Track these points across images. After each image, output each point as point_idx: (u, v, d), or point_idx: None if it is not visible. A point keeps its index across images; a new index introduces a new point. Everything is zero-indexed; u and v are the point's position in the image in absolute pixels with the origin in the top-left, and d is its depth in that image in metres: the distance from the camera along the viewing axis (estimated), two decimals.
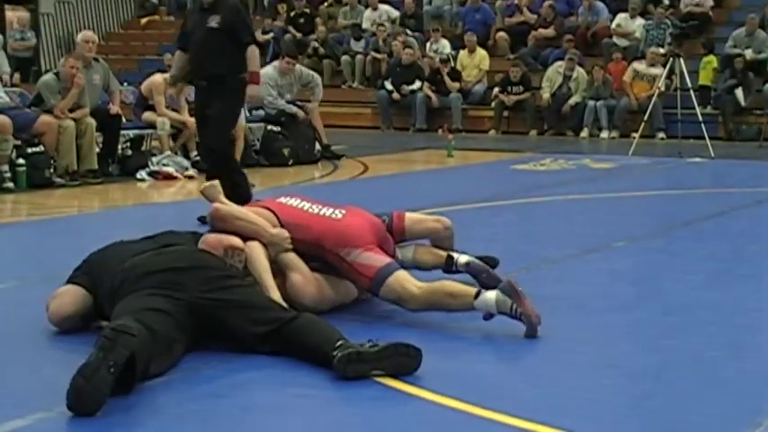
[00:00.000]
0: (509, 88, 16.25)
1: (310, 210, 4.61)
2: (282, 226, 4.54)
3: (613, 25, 16.84)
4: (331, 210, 4.62)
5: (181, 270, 3.91)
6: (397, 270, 4.39)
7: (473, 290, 4.29)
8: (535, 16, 17.73)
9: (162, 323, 3.63)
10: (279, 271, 4.48)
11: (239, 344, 3.89)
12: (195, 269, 3.94)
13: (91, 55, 10.46)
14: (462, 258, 4.90)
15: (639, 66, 15.64)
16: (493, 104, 16.52)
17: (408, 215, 5.06)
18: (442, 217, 5.16)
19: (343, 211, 4.62)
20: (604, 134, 15.64)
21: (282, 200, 4.74)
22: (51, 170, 9.62)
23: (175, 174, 10.27)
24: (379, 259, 4.41)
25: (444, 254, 4.94)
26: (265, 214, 4.59)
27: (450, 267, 4.91)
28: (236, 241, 4.31)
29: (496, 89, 16.49)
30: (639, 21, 16.69)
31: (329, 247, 4.45)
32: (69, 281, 4.24)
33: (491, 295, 4.20)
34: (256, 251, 4.40)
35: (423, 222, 5.10)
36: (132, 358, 3.28)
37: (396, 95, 16.79)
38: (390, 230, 4.84)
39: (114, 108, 10.31)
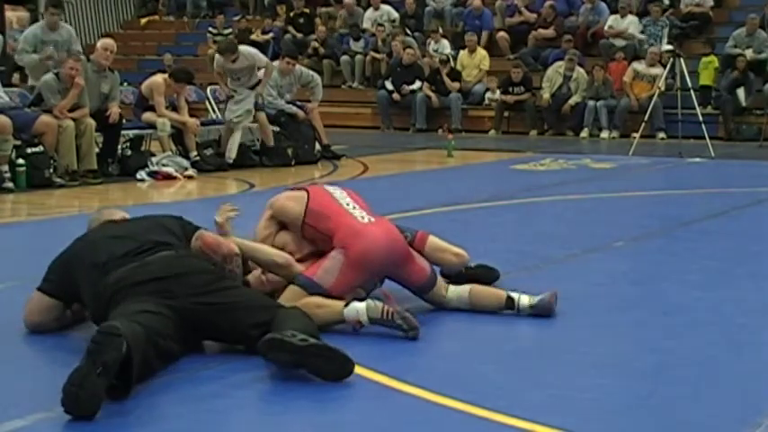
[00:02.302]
0: (510, 89, 16.26)
1: (345, 205, 4.56)
2: (307, 209, 4.53)
3: (606, 26, 16.84)
4: (363, 213, 4.54)
5: (170, 278, 3.86)
6: (309, 293, 4.25)
7: (341, 303, 4.20)
8: (535, 15, 17.77)
9: (156, 321, 3.62)
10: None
11: (236, 344, 3.88)
12: (185, 275, 3.89)
13: (107, 63, 10.44)
14: (524, 300, 4.55)
15: (639, 66, 15.65)
16: (493, 104, 16.53)
17: (431, 239, 4.92)
18: (462, 251, 4.98)
19: (372, 220, 4.51)
20: (604, 134, 15.64)
21: (328, 188, 4.74)
22: (51, 170, 9.62)
23: (175, 174, 10.28)
24: (324, 275, 4.29)
25: (503, 294, 4.62)
26: (299, 196, 4.62)
27: (510, 308, 4.59)
28: (234, 248, 4.30)
29: (489, 94, 16.51)
30: (630, 18, 16.68)
31: (335, 242, 4.39)
32: (38, 287, 4.24)
33: (362, 304, 4.14)
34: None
35: (442, 252, 4.92)
36: (127, 357, 3.26)
37: (396, 95, 16.80)
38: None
39: (112, 117, 10.27)
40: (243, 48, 11.68)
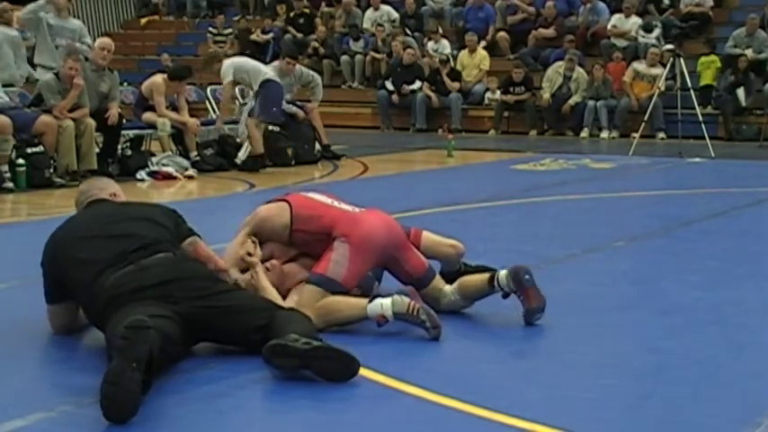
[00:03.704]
0: (511, 89, 16.26)
1: (331, 203, 4.57)
2: (293, 216, 4.50)
3: (609, 26, 16.84)
4: (352, 206, 4.58)
5: (171, 282, 3.80)
6: (325, 289, 4.24)
7: (365, 299, 4.19)
8: (534, 10, 17.75)
9: (167, 326, 3.58)
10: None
11: (239, 346, 3.87)
12: (186, 280, 3.85)
13: (104, 63, 10.45)
14: (502, 272, 4.48)
15: (640, 66, 15.65)
16: (493, 104, 16.54)
17: (425, 235, 4.92)
18: (457, 242, 4.98)
19: (363, 210, 4.57)
20: (604, 134, 15.65)
21: (308, 193, 4.73)
22: (51, 170, 9.63)
23: (175, 174, 10.28)
24: (335, 267, 4.27)
25: (485, 275, 4.57)
26: (280, 206, 4.59)
27: (492, 286, 4.51)
28: (222, 265, 4.26)
29: (489, 94, 16.53)
30: (634, 19, 16.69)
31: (335, 235, 4.37)
32: (46, 300, 4.16)
33: (386, 299, 4.12)
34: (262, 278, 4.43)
35: (438, 247, 4.93)
36: (151, 352, 3.24)
37: (395, 96, 16.80)
38: None
39: (111, 119, 10.27)
40: (237, 60, 11.51)
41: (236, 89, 11.92)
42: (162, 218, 4.22)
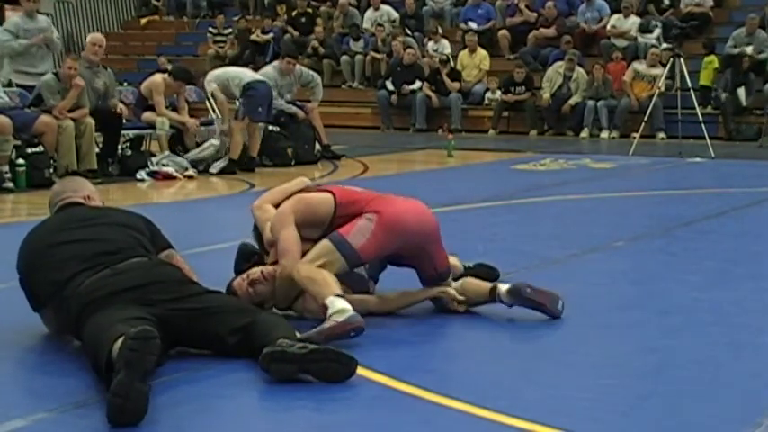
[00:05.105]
0: (512, 89, 16.26)
1: (370, 192, 4.59)
2: (337, 206, 4.44)
3: (608, 26, 16.85)
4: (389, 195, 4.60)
5: (147, 285, 3.75)
6: (339, 250, 4.21)
7: (337, 289, 4.09)
8: (535, 14, 17.76)
9: (153, 327, 3.56)
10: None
11: (212, 350, 3.82)
12: (161, 283, 3.79)
13: (97, 58, 10.46)
14: (502, 288, 4.51)
15: (640, 66, 15.65)
16: (493, 104, 16.54)
17: None
18: (455, 260, 4.93)
19: (400, 197, 4.58)
20: (604, 134, 15.65)
21: (347, 186, 4.74)
22: (51, 170, 9.63)
23: (175, 174, 10.27)
24: (356, 234, 4.25)
25: (488, 285, 4.60)
26: (323, 195, 4.55)
27: (493, 299, 4.56)
28: (195, 278, 4.16)
29: (489, 94, 16.53)
30: (633, 19, 16.69)
31: (366, 210, 4.36)
32: (35, 308, 4.12)
33: (348, 305, 4.02)
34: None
35: None
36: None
37: (395, 96, 16.80)
38: None
39: (118, 110, 10.35)
40: (218, 72, 11.55)
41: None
42: (136, 224, 4.17)
